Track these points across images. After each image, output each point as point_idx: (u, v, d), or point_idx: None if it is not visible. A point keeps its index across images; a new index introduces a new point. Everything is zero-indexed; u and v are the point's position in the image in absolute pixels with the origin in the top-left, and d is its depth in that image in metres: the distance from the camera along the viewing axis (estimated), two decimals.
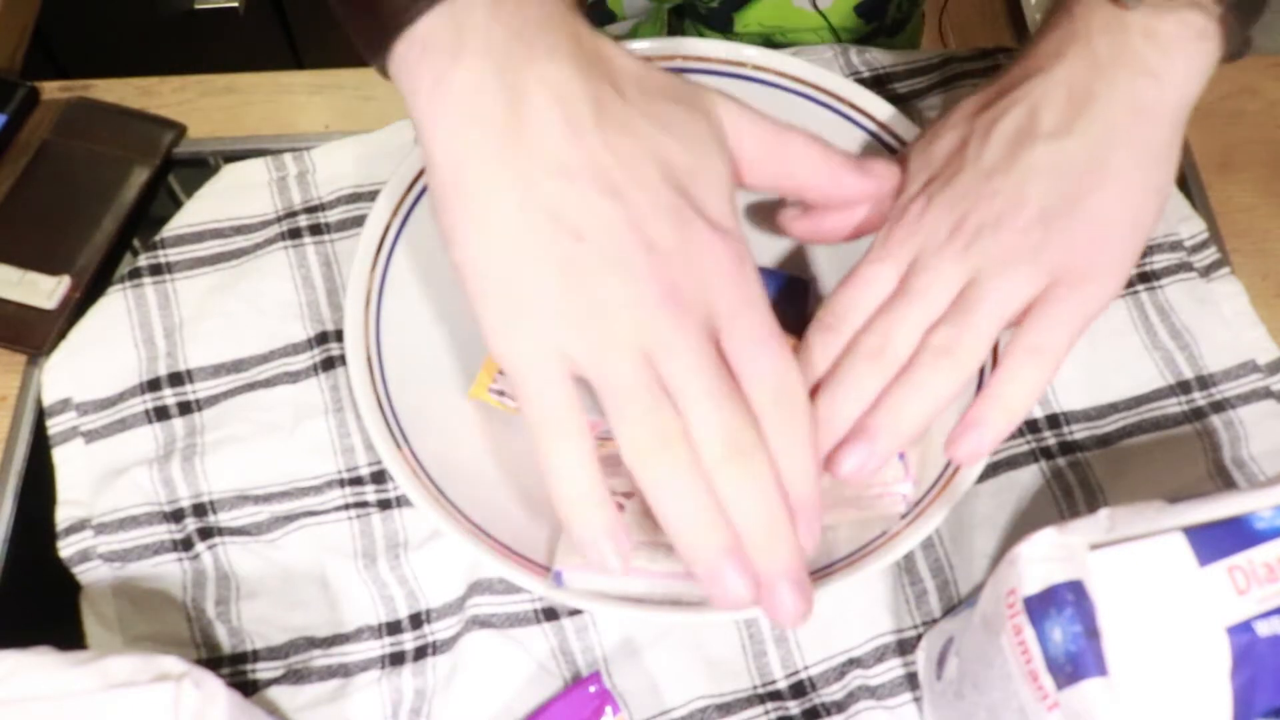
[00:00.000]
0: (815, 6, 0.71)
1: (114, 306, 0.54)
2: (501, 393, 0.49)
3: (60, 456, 0.51)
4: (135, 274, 0.55)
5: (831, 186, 0.42)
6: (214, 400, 0.53)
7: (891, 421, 0.40)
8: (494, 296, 0.36)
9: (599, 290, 0.35)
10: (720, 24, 0.75)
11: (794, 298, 0.52)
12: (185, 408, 0.52)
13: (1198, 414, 0.54)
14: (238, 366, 0.53)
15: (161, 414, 0.52)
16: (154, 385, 0.53)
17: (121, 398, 0.52)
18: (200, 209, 0.57)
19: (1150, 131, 0.41)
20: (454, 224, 0.36)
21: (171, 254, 0.56)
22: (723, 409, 0.35)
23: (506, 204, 0.35)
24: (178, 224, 0.57)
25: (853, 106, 0.54)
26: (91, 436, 0.52)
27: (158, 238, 0.56)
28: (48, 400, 0.52)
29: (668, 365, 0.35)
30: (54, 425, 0.52)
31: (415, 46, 0.36)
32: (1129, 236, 0.41)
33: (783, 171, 0.41)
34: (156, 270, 0.55)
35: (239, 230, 0.57)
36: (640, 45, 0.53)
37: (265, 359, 0.54)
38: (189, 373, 0.53)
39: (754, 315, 0.37)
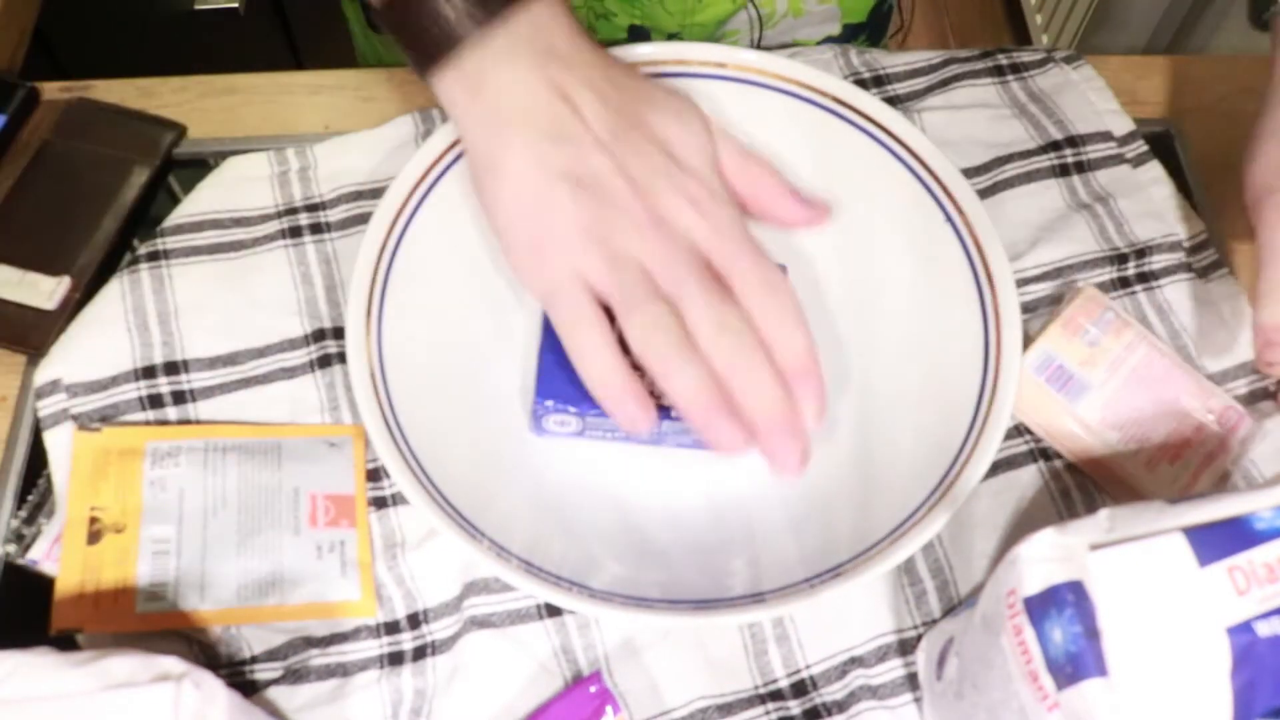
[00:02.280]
0: None
1: (108, 292, 0.54)
2: None
3: (51, 440, 0.50)
4: (132, 261, 0.55)
5: (782, 212, 0.47)
6: (209, 393, 0.52)
7: None
8: (522, 241, 0.44)
9: (600, 223, 0.43)
10: None
11: None
12: (180, 397, 0.52)
13: None
14: (233, 359, 0.53)
15: (155, 401, 0.52)
16: (149, 372, 0.52)
17: (114, 382, 0.52)
18: (201, 200, 0.57)
19: None
20: (489, 196, 0.45)
21: (170, 242, 0.55)
22: (711, 301, 0.42)
23: (524, 169, 0.43)
24: (178, 214, 0.56)
25: (852, 109, 0.54)
26: (83, 420, 0.51)
27: (158, 229, 0.56)
28: (38, 382, 0.52)
29: (663, 276, 0.42)
30: (44, 408, 0.51)
31: (451, 72, 0.44)
32: None
33: (747, 189, 0.46)
34: (153, 256, 0.55)
35: (238, 222, 0.57)
36: (644, 50, 0.54)
37: (261, 354, 0.53)
38: (184, 363, 0.53)
39: (734, 232, 0.44)
